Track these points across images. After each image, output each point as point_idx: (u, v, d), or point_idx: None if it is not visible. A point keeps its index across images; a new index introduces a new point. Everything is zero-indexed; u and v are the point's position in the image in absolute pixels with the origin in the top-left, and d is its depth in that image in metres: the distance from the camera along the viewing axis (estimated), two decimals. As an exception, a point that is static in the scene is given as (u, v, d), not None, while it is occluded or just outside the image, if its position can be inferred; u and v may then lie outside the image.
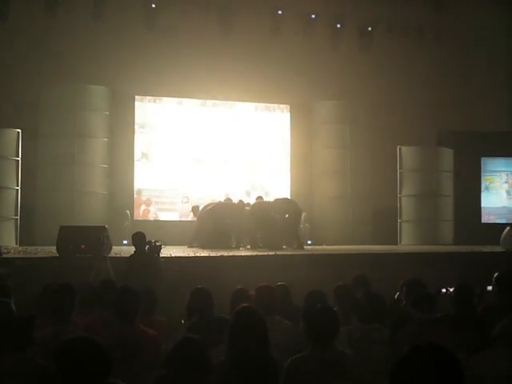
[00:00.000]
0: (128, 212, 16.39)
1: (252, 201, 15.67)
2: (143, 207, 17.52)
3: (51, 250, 11.00)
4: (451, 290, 6.65)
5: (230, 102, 18.48)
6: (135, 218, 16.94)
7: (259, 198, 15.60)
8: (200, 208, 15.81)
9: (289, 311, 6.11)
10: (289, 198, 17.05)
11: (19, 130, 15.37)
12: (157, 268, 9.21)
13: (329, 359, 4.29)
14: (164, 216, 17.63)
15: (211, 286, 6.14)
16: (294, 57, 18.39)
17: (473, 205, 19.29)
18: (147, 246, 9.39)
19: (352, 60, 18.89)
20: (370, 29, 19.22)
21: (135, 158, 17.46)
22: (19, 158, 15.32)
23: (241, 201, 15.54)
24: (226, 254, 11.91)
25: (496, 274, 6.02)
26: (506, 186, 19.76)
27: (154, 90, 17.57)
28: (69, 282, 5.61)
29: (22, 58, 16.32)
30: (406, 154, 18.58)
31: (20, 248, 13.51)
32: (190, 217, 16.90)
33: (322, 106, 18.91)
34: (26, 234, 15.19)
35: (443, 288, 7.65)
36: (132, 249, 9.52)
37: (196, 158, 18.02)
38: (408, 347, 2.39)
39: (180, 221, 17.51)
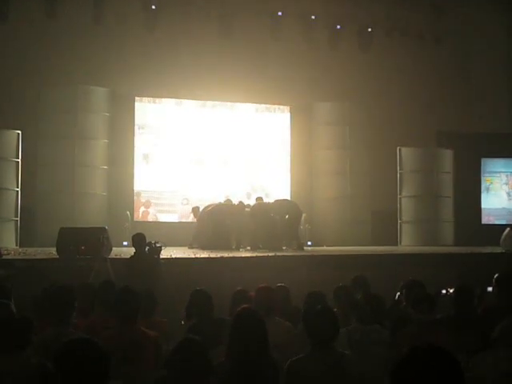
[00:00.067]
0: (128, 213, 16.38)
1: (252, 202, 15.68)
2: (142, 209, 17.51)
3: (51, 252, 11.01)
4: (451, 291, 6.66)
5: (229, 103, 18.47)
6: (135, 219, 16.93)
7: (259, 198, 15.61)
8: (200, 209, 15.81)
9: (289, 312, 6.12)
10: (289, 198, 17.07)
11: (19, 132, 15.36)
12: (157, 269, 9.22)
13: (329, 360, 4.30)
14: (163, 218, 17.61)
15: (211, 287, 6.16)
16: (294, 58, 18.39)
17: (473, 206, 19.29)
18: (147, 248, 9.40)
19: (352, 61, 18.89)
20: (369, 30, 19.21)
21: (136, 160, 17.44)
22: (19, 160, 15.31)
23: (241, 202, 15.54)
24: (225, 255, 11.92)
25: (496, 275, 6.03)
26: (505, 187, 19.76)
27: (154, 91, 17.56)
28: (69, 284, 5.63)
29: (22, 59, 16.33)
30: (406, 155, 18.58)
31: (20, 249, 13.51)
32: (190, 218, 16.89)
33: (322, 107, 18.91)
34: (26, 236, 15.17)
35: (443, 289, 7.66)
36: (132, 250, 9.53)
37: (196, 159, 18.00)
38: (408, 348, 2.39)
39: (180, 222, 17.50)
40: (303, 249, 14.70)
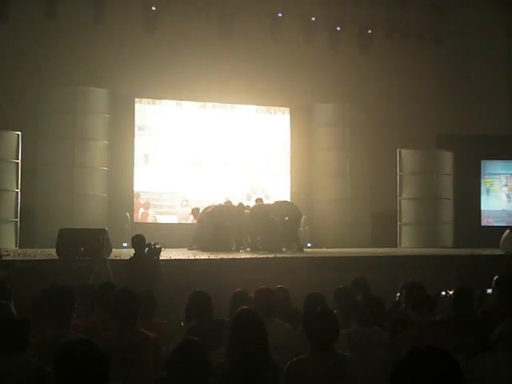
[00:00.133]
0: (128, 214, 16.37)
1: (252, 204, 15.67)
2: (142, 210, 17.50)
3: (51, 253, 11.01)
4: (451, 292, 6.66)
5: (229, 104, 18.46)
6: (135, 220, 16.92)
7: (259, 200, 15.60)
8: (200, 210, 15.80)
9: (288, 314, 6.11)
10: (289, 200, 17.07)
11: (19, 133, 15.36)
12: (156, 271, 9.22)
13: (328, 362, 4.30)
14: (163, 219, 17.60)
15: (211, 289, 6.16)
16: (294, 59, 18.39)
17: (472, 208, 19.29)
18: (147, 249, 9.40)
19: (352, 62, 18.90)
20: (369, 31, 19.22)
21: (136, 161, 17.43)
22: (19, 161, 15.31)
23: (241, 203, 15.53)
24: (225, 256, 11.91)
25: (496, 277, 6.03)
26: (505, 188, 19.76)
27: (154, 92, 17.56)
28: (68, 285, 5.62)
29: (22, 59, 16.33)
30: (406, 157, 18.59)
31: (20, 250, 13.52)
32: (190, 220, 16.90)
33: (322, 109, 18.91)
34: (25, 237, 15.17)
35: (443, 291, 7.65)
36: (132, 251, 9.53)
37: (196, 161, 17.99)
38: (408, 350, 2.39)
39: (180, 223, 17.49)
40: (303, 250, 14.70)
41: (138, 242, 9.34)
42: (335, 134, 18.68)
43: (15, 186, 15.26)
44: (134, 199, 17.38)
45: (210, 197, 17.09)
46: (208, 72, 17.24)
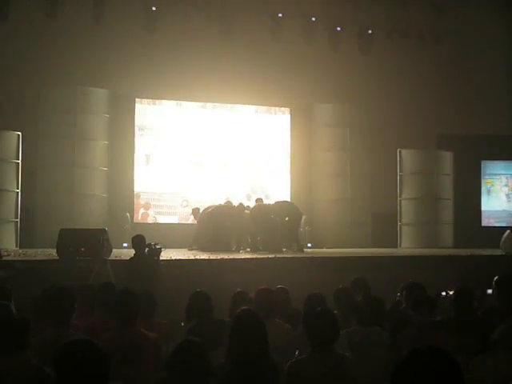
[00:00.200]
0: (128, 215, 16.37)
1: (252, 204, 15.66)
2: (142, 211, 17.50)
3: (51, 253, 11.01)
4: (451, 293, 6.66)
5: (229, 105, 18.46)
6: (135, 220, 16.92)
7: (259, 200, 15.60)
8: (200, 211, 15.80)
9: (289, 314, 6.11)
10: (289, 200, 17.07)
11: (19, 133, 15.36)
12: (157, 271, 9.21)
13: (329, 362, 4.30)
14: (163, 220, 17.60)
15: (211, 289, 6.16)
16: (294, 59, 18.39)
17: (473, 208, 19.29)
18: (147, 249, 9.40)
19: (352, 63, 18.90)
20: (369, 32, 19.22)
21: (136, 161, 17.43)
22: (19, 161, 15.31)
23: (241, 204, 15.53)
24: (225, 256, 11.90)
25: (496, 278, 6.03)
26: (505, 189, 19.76)
27: (154, 92, 17.56)
28: (69, 285, 5.62)
29: (22, 59, 16.33)
30: (406, 157, 18.59)
31: (20, 250, 13.52)
32: (190, 220, 16.90)
33: (322, 109, 18.91)
34: (26, 237, 15.18)
35: (443, 291, 7.65)
36: (132, 252, 9.52)
37: (196, 161, 17.99)
38: (408, 350, 2.39)
39: (180, 224, 17.49)
40: (303, 251, 14.70)
41: (138, 242, 9.34)
42: (335, 135, 18.68)
43: (15, 186, 15.26)
44: (134, 199, 17.38)
45: (211, 197, 17.09)
46: (208, 72, 17.24)
